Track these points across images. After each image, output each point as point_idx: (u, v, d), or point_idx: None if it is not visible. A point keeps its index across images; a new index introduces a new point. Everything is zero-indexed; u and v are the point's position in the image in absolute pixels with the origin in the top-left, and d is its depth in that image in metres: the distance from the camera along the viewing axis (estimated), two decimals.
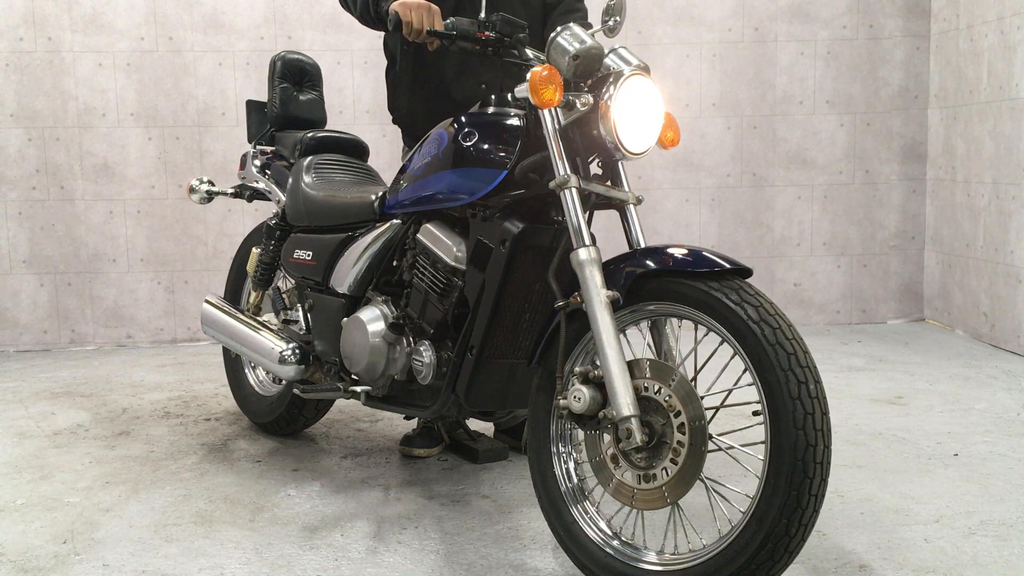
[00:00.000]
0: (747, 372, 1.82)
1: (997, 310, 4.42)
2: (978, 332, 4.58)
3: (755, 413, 1.82)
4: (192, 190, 3.34)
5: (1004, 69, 4.30)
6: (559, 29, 2.10)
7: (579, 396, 1.96)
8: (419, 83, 2.85)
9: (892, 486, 2.67)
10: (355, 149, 3.14)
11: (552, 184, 2.06)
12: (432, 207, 2.41)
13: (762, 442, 1.80)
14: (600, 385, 1.96)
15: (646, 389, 1.92)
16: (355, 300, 2.70)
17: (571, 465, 2.15)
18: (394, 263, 2.62)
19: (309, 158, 3.01)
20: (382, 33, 2.86)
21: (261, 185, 3.20)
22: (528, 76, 2.02)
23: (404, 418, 3.29)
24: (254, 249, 3.23)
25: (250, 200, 3.34)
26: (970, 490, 2.62)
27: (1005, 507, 2.49)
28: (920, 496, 2.58)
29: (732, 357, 1.87)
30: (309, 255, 2.86)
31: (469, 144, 2.29)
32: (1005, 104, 4.30)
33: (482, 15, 2.35)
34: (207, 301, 3.22)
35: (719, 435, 1.93)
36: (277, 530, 2.44)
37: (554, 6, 2.89)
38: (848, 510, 2.49)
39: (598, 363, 1.96)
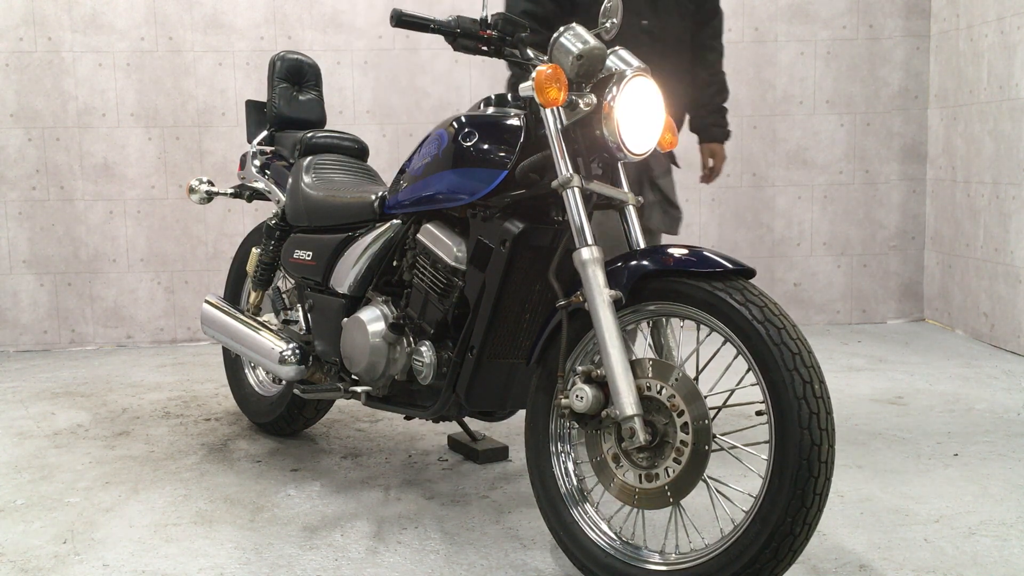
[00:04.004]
0: (750, 372, 1.82)
1: (997, 310, 4.42)
2: (978, 332, 4.58)
3: (758, 413, 1.82)
4: (192, 190, 3.34)
5: (1004, 69, 4.30)
6: (562, 29, 2.10)
7: (581, 395, 1.95)
8: None
9: (892, 486, 2.67)
10: (355, 149, 3.14)
11: (555, 184, 2.05)
12: (432, 207, 2.41)
13: (765, 441, 1.80)
14: (602, 384, 1.95)
15: (649, 388, 1.91)
16: (355, 300, 2.70)
17: (570, 465, 2.15)
18: (394, 263, 2.62)
19: (309, 158, 3.01)
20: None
21: (261, 185, 3.20)
22: (533, 75, 2.01)
23: (404, 418, 3.29)
24: (254, 249, 3.23)
25: (250, 200, 3.33)
26: (970, 490, 2.62)
27: (1005, 507, 2.49)
28: (920, 496, 2.58)
29: (735, 357, 1.87)
30: (309, 255, 2.85)
31: (469, 144, 2.28)
32: (1005, 104, 4.30)
33: (483, 14, 2.34)
34: (207, 301, 3.22)
35: (721, 435, 1.93)
36: (277, 530, 2.43)
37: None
38: (848, 510, 2.49)
39: (600, 362, 1.96)
